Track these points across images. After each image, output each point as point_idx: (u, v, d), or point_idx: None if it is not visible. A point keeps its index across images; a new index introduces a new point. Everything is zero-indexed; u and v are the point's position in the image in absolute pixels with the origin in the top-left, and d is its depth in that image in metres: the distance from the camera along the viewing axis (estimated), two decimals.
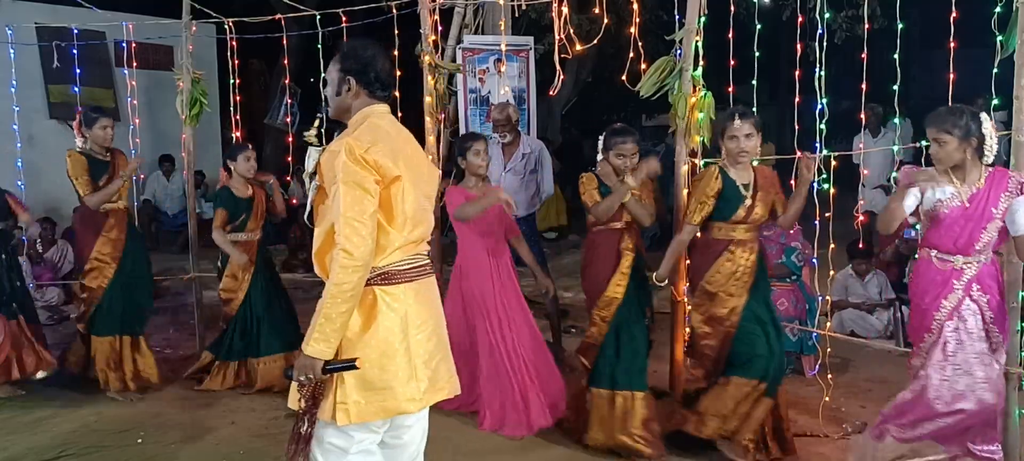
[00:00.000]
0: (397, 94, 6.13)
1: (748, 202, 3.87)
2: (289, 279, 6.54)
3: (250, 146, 5.43)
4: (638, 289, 4.18)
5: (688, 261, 4.32)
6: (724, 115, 3.96)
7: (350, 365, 2.45)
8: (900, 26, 4.49)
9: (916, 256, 3.70)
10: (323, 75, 6.30)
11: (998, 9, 3.80)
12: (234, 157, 5.31)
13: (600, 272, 4.15)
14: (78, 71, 7.84)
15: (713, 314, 3.94)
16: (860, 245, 5.96)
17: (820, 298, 5.22)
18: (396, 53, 6.13)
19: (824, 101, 4.66)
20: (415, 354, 2.55)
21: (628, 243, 4.15)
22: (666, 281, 4.18)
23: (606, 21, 5.68)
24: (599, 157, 4.32)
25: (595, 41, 5.92)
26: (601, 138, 4.30)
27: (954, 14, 4.08)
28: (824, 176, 4.60)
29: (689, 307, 4.12)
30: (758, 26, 4.77)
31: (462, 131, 6.61)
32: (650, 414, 4.07)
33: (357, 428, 2.52)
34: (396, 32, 6.15)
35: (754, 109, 4.82)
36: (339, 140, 2.50)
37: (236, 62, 6.57)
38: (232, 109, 6.59)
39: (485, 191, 4.39)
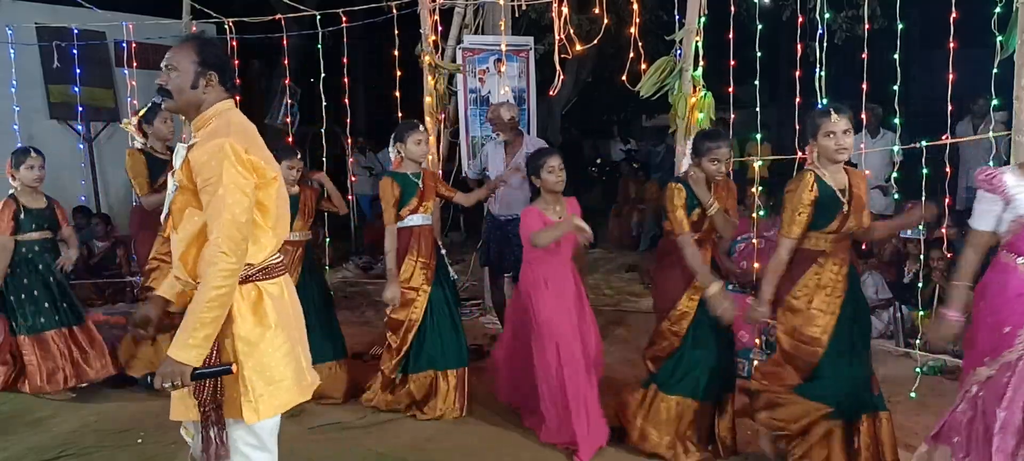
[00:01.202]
0: (397, 94, 6.16)
1: (845, 208, 3.49)
2: None
3: (297, 154, 5.07)
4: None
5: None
6: (816, 111, 3.54)
7: (226, 370, 2.43)
8: (900, 26, 4.49)
9: (992, 264, 3.24)
10: (323, 75, 6.37)
11: (998, 9, 3.81)
12: (279, 160, 5.13)
13: (673, 283, 3.96)
14: (78, 71, 7.86)
15: (802, 333, 3.55)
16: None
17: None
18: (396, 53, 6.15)
19: (824, 101, 4.66)
20: (298, 343, 2.64)
21: (706, 259, 3.92)
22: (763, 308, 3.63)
23: (606, 21, 5.69)
24: (686, 164, 4.02)
25: (595, 41, 5.92)
26: (689, 142, 4.01)
27: (954, 14, 4.09)
28: None
29: (772, 323, 3.76)
30: (758, 26, 4.78)
31: (462, 132, 6.62)
32: (702, 421, 3.96)
33: (263, 423, 2.54)
34: (396, 32, 6.15)
35: (755, 109, 4.86)
36: (211, 140, 2.44)
37: (236, 62, 6.56)
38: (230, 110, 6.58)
39: (561, 213, 4.21)
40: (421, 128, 4.68)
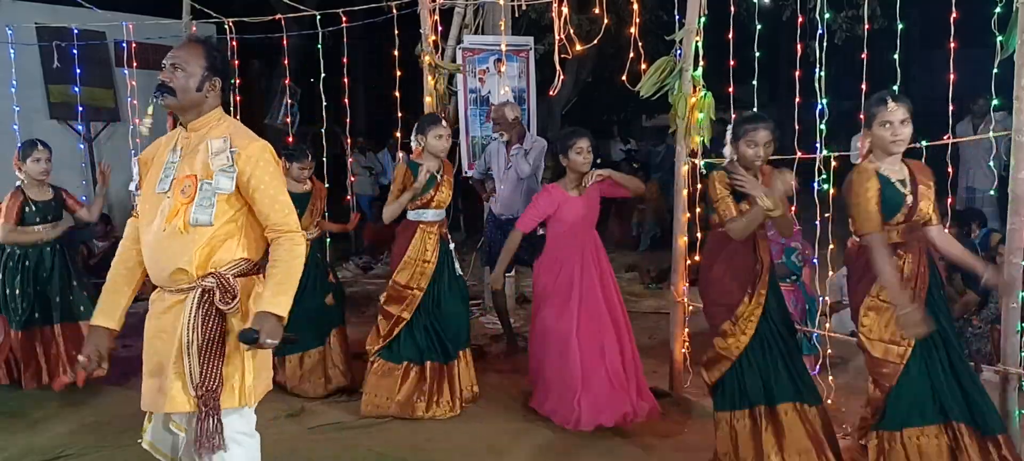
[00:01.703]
0: (397, 94, 6.15)
1: (909, 199, 3.31)
2: None
3: (309, 155, 5.11)
4: (777, 300, 3.76)
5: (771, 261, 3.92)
6: (872, 100, 3.35)
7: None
8: (900, 26, 4.48)
9: None
10: (323, 75, 6.37)
11: (998, 9, 3.80)
12: (289, 160, 5.02)
13: (727, 281, 3.70)
14: (78, 71, 7.85)
15: (892, 335, 3.30)
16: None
17: (820, 298, 5.22)
18: (396, 53, 6.15)
19: (824, 101, 4.66)
20: None
21: (762, 255, 3.70)
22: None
23: (606, 21, 5.68)
24: (727, 150, 3.79)
25: (595, 41, 5.92)
26: (729, 127, 3.81)
27: (954, 14, 4.08)
28: (824, 176, 4.60)
29: (862, 333, 3.42)
30: (758, 26, 4.77)
31: (462, 132, 6.62)
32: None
33: (251, 408, 2.69)
34: (396, 32, 6.15)
35: (755, 109, 4.85)
36: (251, 143, 2.63)
37: (236, 62, 6.56)
38: (232, 109, 6.59)
39: (581, 194, 4.40)
40: (443, 123, 4.70)
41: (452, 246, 4.85)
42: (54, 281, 5.14)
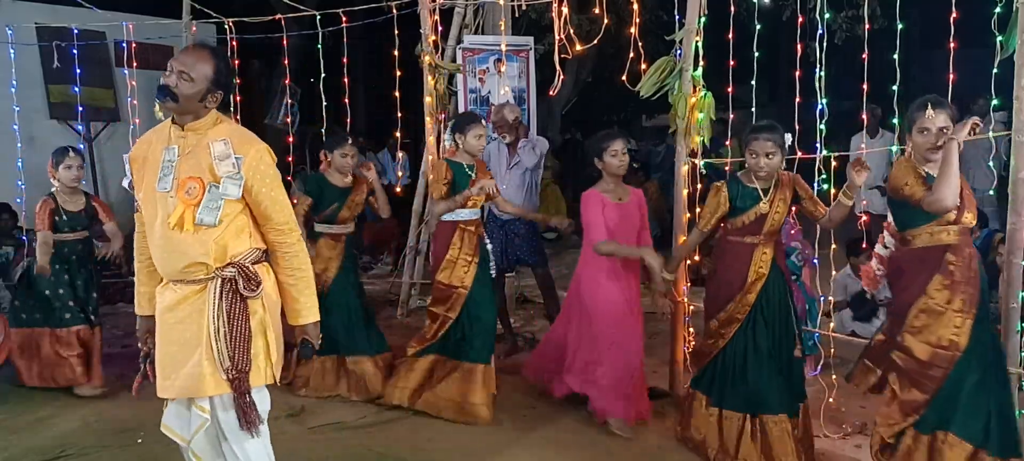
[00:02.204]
0: (397, 94, 6.16)
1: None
2: None
3: (350, 140, 5.05)
4: (775, 311, 3.80)
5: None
6: (915, 104, 3.33)
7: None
8: (900, 26, 4.49)
9: None
10: (323, 75, 6.37)
11: (998, 9, 3.80)
12: (331, 149, 4.99)
13: (722, 284, 3.87)
14: (78, 71, 7.85)
15: (939, 339, 3.26)
16: (863, 245, 5.95)
17: (821, 298, 5.22)
18: (396, 53, 6.15)
19: (824, 101, 4.66)
20: None
21: (762, 261, 3.77)
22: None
23: (606, 21, 5.69)
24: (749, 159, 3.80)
25: (595, 41, 5.92)
26: (742, 137, 3.89)
27: (954, 14, 4.08)
28: (824, 176, 4.60)
29: (909, 333, 3.35)
30: (758, 26, 4.77)
31: None
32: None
33: (266, 387, 2.84)
34: (396, 32, 6.15)
35: (755, 109, 4.85)
36: (251, 145, 2.75)
37: (236, 62, 6.56)
38: (232, 109, 6.59)
39: (622, 197, 4.30)
40: (483, 122, 4.68)
41: (489, 246, 4.80)
42: (67, 287, 5.08)
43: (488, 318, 4.67)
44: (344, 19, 6.37)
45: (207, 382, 2.68)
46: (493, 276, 4.85)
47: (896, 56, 4.37)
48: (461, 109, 6.63)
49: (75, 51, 7.62)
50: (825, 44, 4.60)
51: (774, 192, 3.76)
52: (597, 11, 5.64)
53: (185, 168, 2.68)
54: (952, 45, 4.05)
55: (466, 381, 4.55)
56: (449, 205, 4.57)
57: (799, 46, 4.66)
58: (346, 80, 6.45)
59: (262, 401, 2.81)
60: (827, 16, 5.00)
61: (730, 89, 4.89)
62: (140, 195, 2.81)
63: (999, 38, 3.81)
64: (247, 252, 2.77)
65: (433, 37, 5.76)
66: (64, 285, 5.08)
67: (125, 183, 2.97)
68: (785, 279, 3.88)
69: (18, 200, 7.64)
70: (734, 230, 3.83)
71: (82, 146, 8.62)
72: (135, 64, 6.96)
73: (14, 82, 7.38)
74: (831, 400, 4.49)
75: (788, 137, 3.82)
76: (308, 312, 2.87)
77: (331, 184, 4.99)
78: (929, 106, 3.26)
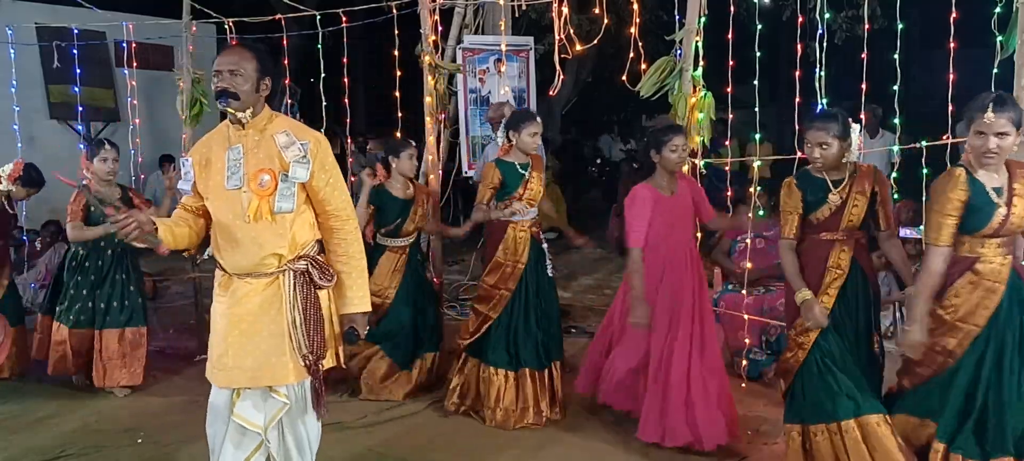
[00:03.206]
0: (397, 94, 6.15)
1: (1003, 210, 3.06)
2: None
3: (413, 143, 4.95)
4: (854, 312, 3.53)
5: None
6: (972, 104, 3.09)
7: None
8: (900, 26, 4.49)
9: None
10: (323, 75, 6.37)
11: (998, 9, 3.81)
12: (396, 153, 4.81)
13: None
14: (78, 71, 7.86)
15: (939, 344, 3.20)
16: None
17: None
18: (396, 53, 6.15)
19: (824, 101, 4.66)
20: None
21: (840, 259, 3.50)
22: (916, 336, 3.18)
23: (606, 21, 5.69)
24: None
25: (595, 41, 5.92)
26: (801, 132, 3.60)
27: (954, 14, 4.09)
28: None
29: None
30: (758, 26, 4.77)
31: (462, 131, 6.61)
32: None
33: None
34: (396, 32, 6.15)
35: (755, 109, 4.86)
36: (320, 138, 2.94)
37: None
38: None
39: (674, 191, 4.09)
40: (538, 120, 4.53)
41: (545, 246, 4.64)
42: (105, 286, 5.05)
43: (549, 314, 4.54)
44: (344, 19, 6.37)
45: (289, 370, 2.86)
46: (552, 275, 4.66)
47: (896, 56, 4.37)
48: (461, 109, 6.64)
49: (75, 51, 7.62)
50: (825, 44, 4.60)
51: (849, 184, 3.49)
52: (597, 11, 5.64)
53: (254, 163, 2.84)
54: (952, 45, 4.05)
55: (550, 385, 4.49)
56: (484, 214, 4.46)
57: (799, 46, 4.66)
58: (346, 80, 6.44)
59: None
60: (827, 16, 5.00)
61: (730, 89, 4.89)
62: (208, 197, 2.92)
63: (999, 38, 3.82)
64: (311, 243, 2.94)
65: (433, 37, 5.75)
66: (108, 283, 5.05)
67: (185, 185, 3.00)
68: (869, 280, 3.59)
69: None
70: (809, 227, 3.57)
71: (82, 146, 8.63)
72: (135, 64, 6.96)
73: (14, 82, 7.39)
74: None
75: (856, 127, 3.55)
76: (359, 301, 2.97)
77: (392, 196, 4.84)
78: (989, 107, 2.99)
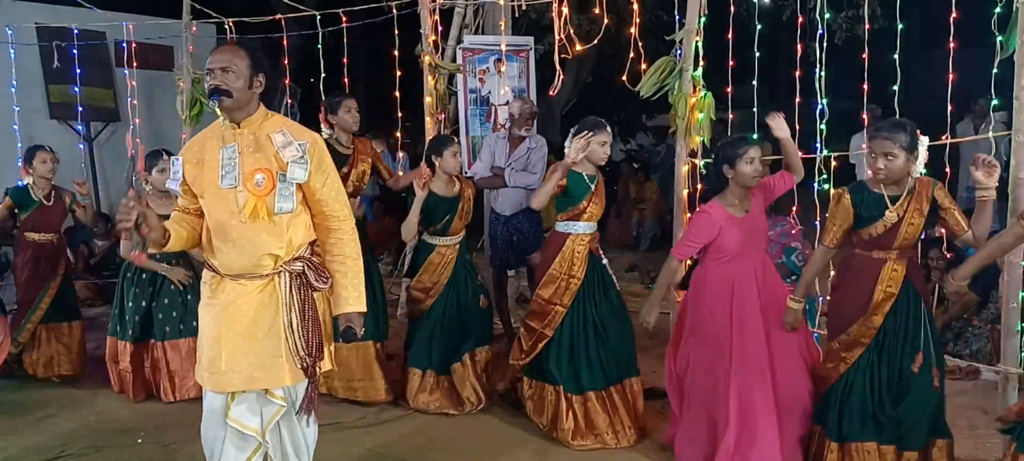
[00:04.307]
0: (397, 94, 6.16)
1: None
2: None
3: (455, 140, 4.79)
4: (903, 334, 3.37)
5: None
6: None
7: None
8: (900, 26, 4.49)
9: None
10: (323, 75, 6.37)
11: (998, 9, 3.81)
12: (439, 151, 4.62)
13: (846, 302, 3.46)
14: (78, 71, 7.85)
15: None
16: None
17: (820, 298, 5.21)
18: (396, 53, 6.15)
19: (824, 101, 4.66)
20: None
21: (892, 278, 3.34)
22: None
23: (606, 21, 5.69)
24: (863, 161, 3.50)
25: (595, 41, 5.92)
26: (859, 136, 3.58)
27: (954, 14, 4.09)
28: (824, 176, 4.60)
29: None
30: (758, 26, 4.77)
31: (462, 131, 6.61)
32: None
33: None
34: (396, 32, 6.15)
35: (755, 109, 4.85)
36: (305, 131, 2.90)
37: None
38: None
39: (748, 210, 3.71)
40: (608, 129, 4.27)
41: (605, 261, 4.41)
42: (161, 297, 4.95)
43: (616, 330, 4.27)
44: (344, 19, 6.37)
45: (286, 373, 2.85)
46: (618, 289, 4.45)
47: (896, 56, 4.37)
48: (461, 109, 6.63)
49: (75, 51, 7.62)
50: (825, 44, 4.61)
51: (907, 200, 3.29)
52: (597, 11, 5.64)
53: (250, 162, 2.80)
54: (952, 45, 4.05)
55: (624, 403, 4.27)
56: (543, 198, 4.19)
57: (799, 46, 4.66)
58: (346, 80, 6.45)
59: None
60: (827, 16, 5.00)
61: (730, 89, 4.89)
62: (202, 196, 2.90)
63: (999, 38, 3.82)
64: (306, 244, 2.92)
65: (433, 37, 5.76)
66: (166, 294, 4.93)
67: (172, 184, 2.99)
68: (922, 300, 3.41)
69: None
70: (861, 243, 3.40)
71: (82, 146, 8.63)
72: (135, 64, 6.96)
73: (14, 82, 7.39)
74: None
75: (924, 140, 3.34)
76: (355, 301, 2.95)
77: (438, 195, 4.63)
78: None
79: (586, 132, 4.14)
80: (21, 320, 5.18)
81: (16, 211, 5.25)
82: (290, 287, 2.83)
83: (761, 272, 3.72)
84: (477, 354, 4.73)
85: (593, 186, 4.22)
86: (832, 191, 3.53)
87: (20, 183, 5.34)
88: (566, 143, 4.23)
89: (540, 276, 4.32)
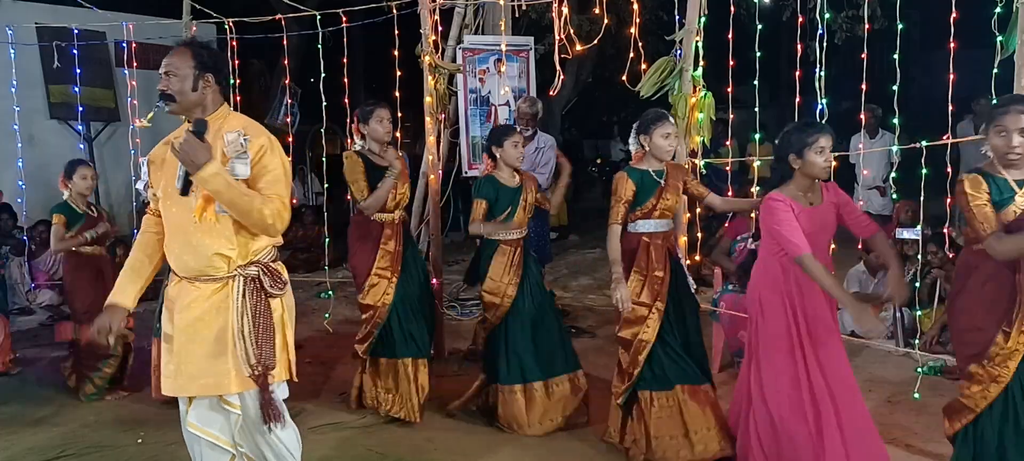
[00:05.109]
0: (397, 94, 6.16)
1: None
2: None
3: (517, 129, 4.52)
4: None
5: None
6: (1001, 100, 2.91)
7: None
8: (900, 27, 4.49)
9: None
10: (323, 75, 6.37)
11: (998, 9, 3.81)
12: (500, 142, 4.38)
13: (975, 314, 2.94)
14: (78, 71, 7.86)
15: None
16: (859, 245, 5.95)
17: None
18: (396, 53, 6.15)
19: (824, 101, 4.67)
20: None
21: None
22: None
23: (606, 21, 5.69)
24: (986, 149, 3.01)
25: (595, 41, 5.92)
26: (990, 116, 3.00)
27: (954, 15, 4.09)
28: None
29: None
30: (758, 26, 4.78)
31: (462, 131, 6.61)
32: None
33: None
34: (396, 32, 6.15)
35: (755, 109, 4.86)
36: (259, 137, 2.76)
37: (236, 62, 6.56)
38: (232, 109, 6.58)
39: (814, 202, 3.33)
40: (671, 119, 3.94)
41: (686, 262, 4.15)
42: None
43: (694, 328, 3.97)
44: (344, 19, 6.37)
45: (233, 380, 2.74)
46: (693, 291, 4.14)
47: (896, 57, 4.37)
48: (461, 109, 6.63)
49: (75, 51, 7.63)
50: (825, 44, 4.61)
51: None
52: (597, 11, 5.64)
53: None
54: (952, 45, 4.05)
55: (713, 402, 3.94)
56: (613, 238, 3.87)
57: (799, 46, 4.66)
58: (346, 80, 6.45)
59: (282, 393, 2.89)
60: (827, 16, 5.01)
61: (730, 89, 4.89)
62: (160, 196, 2.87)
63: (999, 38, 3.82)
64: (267, 249, 2.83)
65: (433, 37, 5.75)
66: None
67: (140, 185, 2.99)
68: None
69: (19, 200, 7.65)
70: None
71: (82, 146, 8.63)
72: (135, 64, 6.97)
73: (14, 82, 7.39)
74: None
75: None
76: (220, 169, 2.66)
77: (503, 185, 4.38)
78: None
79: (649, 127, 3.87)
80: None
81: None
82: (243, 292, 2.73)
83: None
84: (561, 384, 4.36)
85: (661, 181, 3.89)
86: (961, 178, 2.97)
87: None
88: (630, 142, 4.04)
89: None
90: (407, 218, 4.76)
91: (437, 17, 5.87)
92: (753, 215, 5.00)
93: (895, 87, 4.47)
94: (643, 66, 4.87)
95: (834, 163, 3.87)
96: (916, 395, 4.56)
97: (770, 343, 3.38)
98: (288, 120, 7.86)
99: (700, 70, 4.68)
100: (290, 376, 2.90)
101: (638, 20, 5.22)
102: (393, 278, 4.47)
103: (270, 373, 2.77)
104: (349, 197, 4.77)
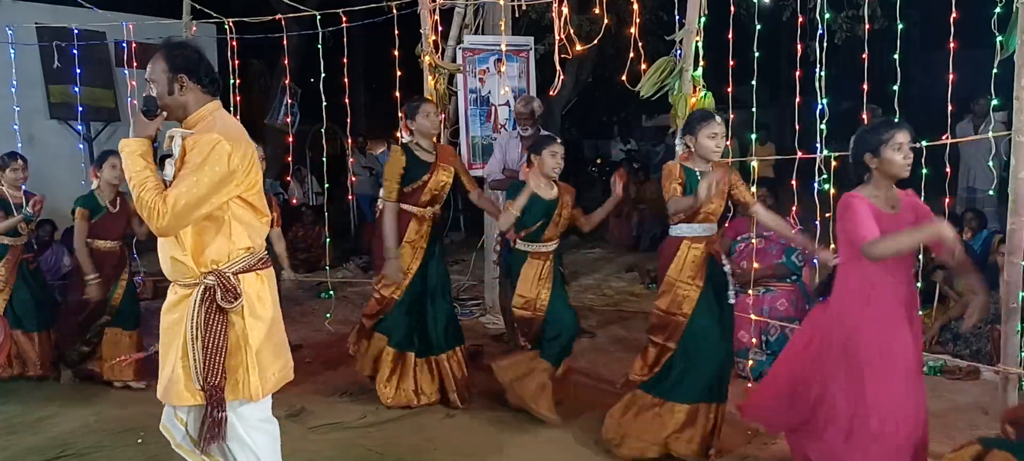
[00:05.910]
0: (397, 94, 6.16)
1: None
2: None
3: (557, 139, 4.42)
4: None
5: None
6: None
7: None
8: (900, 27, 4.49)
9: None
10: (323, 75, 6.37)
11: (998, 9, 3.81)
12: (538, 151, 4.31)
13: None
14: (78, 71, 7.86)
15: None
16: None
17: (820, 299, 5.21)
18: (396, 53, 6.15)
19: (824, 101, 4.67)
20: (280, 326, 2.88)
21: None
22: None
23: (606, 21, 5.69)
24: None
25: (595, 41, 5.93)
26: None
27: (954, 15, 4.09)
28: (824, 176, 4.60)
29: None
30: (758, 26, 4.78)
31: (462, 131, 6.61)
32: None
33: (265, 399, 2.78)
34: (396, 32, 6.15)
35: (754, 109, 4.86)
36: (207, 133, 2.57)
37: (236, 62, 6.57)
38: (232, 109, 6.60)
39: (895, 205, 3.15)
40: (717, 119, 3.79)
41: (727, 268, 3.92)
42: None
43: (721, 340, 3.83)
44: (344, 19, 6.37)
45: (181, 392, 2.63)
46: (731, 303, 3.95)
47: (896, 57, 4.37)
48: (461, 109, 6.62)
49: (75, 51, 7.63)
50: (825, 44, 4.61)
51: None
52: (597, 11, 5.64)
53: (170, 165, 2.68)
54: (952, 45, 4.06)
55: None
56: (685, 203, 3.70)
57: (799, 46, 4.66)
58: (346, 80, 6.45)
59: (253, 414, 2.73)
60: (827, 16, 5.00)
61: (730, 89, 4.89)
62: None
63: (999, 38, 3.82)
64: (229, 256, 2.65)
65: (433, 37, 5.76)
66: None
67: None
68: None
69: None
70: None
71: (82, 146, 8.63)
72: (135, 64, 6.97)
73: (14, 82, 7.39)
74: None
75: None
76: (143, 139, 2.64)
77: (536, 195, 4.28)
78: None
79: (694, 127, 3.76)
80: (91, 323, 5.16)
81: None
82: (199, 302, 2.60)
83: (911, 293, 3.17)
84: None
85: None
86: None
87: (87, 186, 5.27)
88: (677, 142, 3.95)
89: (660, 286, 3.92)
90: (439, 214, 4.75)
91: (437, 17, 5.88)
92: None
93: (895, 87, 4.47)
94: (643, 66, 4.87)
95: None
96: None
97: (873, 361, 3.07)
98: (288, 120, 7.87)
99: (700, 70, 4.68)
100: (251, 397, 2.67)
101: (638, 20, 5.23)
102: (412, 266, 4.57)
103: (218, 390, 2.61)
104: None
